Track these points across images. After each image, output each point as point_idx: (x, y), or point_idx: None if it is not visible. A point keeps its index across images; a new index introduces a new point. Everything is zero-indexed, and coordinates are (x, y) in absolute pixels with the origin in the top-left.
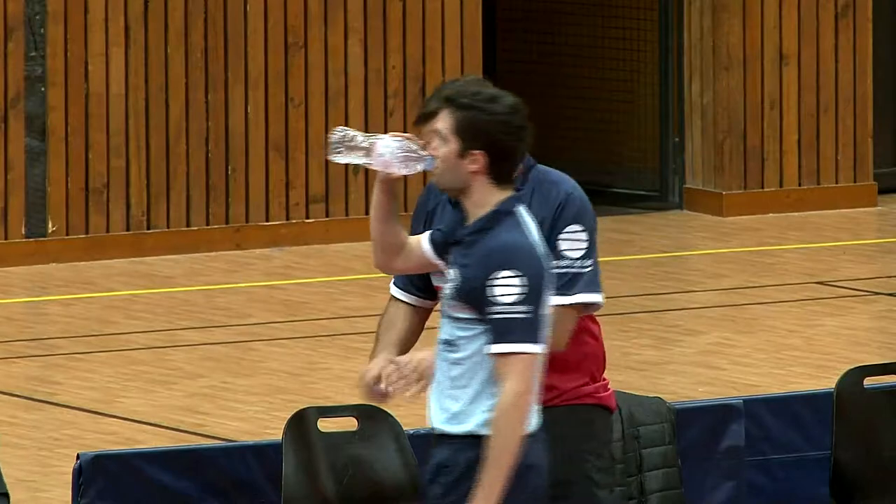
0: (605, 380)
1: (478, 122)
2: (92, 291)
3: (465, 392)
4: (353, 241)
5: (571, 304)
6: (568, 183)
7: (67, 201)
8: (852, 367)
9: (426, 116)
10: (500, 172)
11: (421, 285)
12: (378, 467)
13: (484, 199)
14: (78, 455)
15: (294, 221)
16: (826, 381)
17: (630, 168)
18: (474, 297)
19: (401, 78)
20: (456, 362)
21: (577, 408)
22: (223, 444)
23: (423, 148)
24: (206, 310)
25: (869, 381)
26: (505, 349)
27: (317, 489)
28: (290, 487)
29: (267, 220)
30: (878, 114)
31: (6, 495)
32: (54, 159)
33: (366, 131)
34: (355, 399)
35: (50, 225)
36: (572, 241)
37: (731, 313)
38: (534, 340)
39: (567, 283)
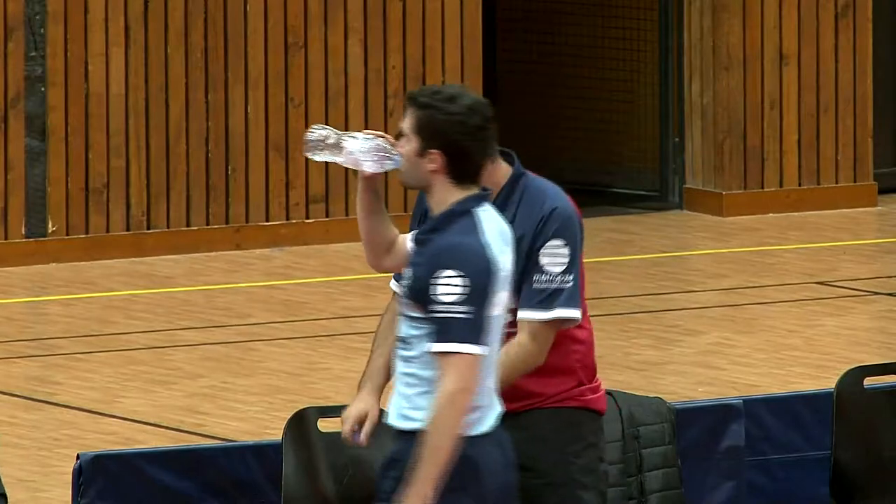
0: (596, 383)
1: (435, 122)
2: (92, 291)
3: (415, 389)
4: (353, 241)
5: (550, 320)
6: (555, 197)
7: (67, 201)
8: (852, 367)
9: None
10: (459, 172)
11: None
12: (378, 467)
13: (443, 198)
14: (78, 455)
15: (294, 221)
16: (826, 381)
17: (630, 168)
18: (421, 295)
19: (401, 78)
20: (408, 360)
21: (561, 410)
22: (223, 444)
23: (395, 146)
24: (206, 310)
25: (869, 381)
26: (443, 348)
27: (317, 489)
28: (290, 487)
29: (267, 220)
30: (878, 114)
31: (4, 496)
32: (54, 159)
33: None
34: None
35: (50, 225)
36: (553, 256)
37: (731, 313)
38: (473, 341)
39: (547, 299)
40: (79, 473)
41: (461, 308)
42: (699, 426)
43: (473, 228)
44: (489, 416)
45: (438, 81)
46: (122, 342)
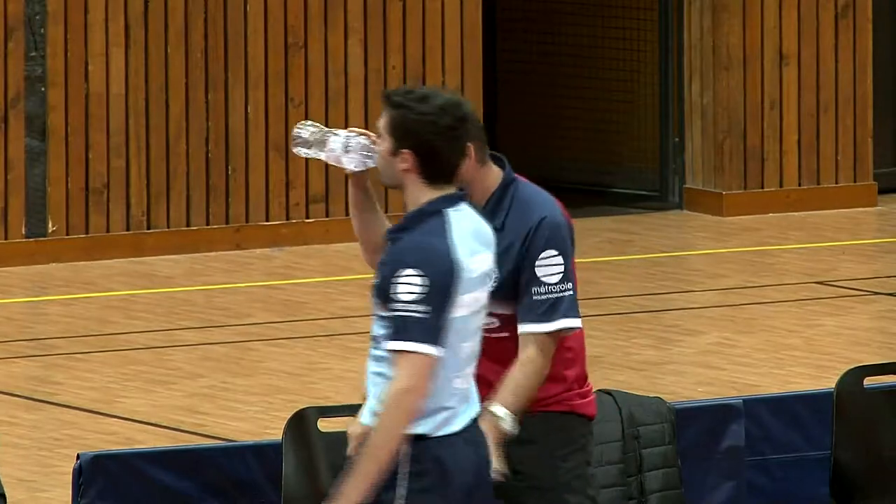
0: (586, 388)
1: (405, 121)
2: (92, 291)
3: (380, 388)
4: (353, 241)
5: (554, 331)
6: (543, 207)
7: (67, 201)
8: (852, 367)
9: None
10: (431, 172)
11: None
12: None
13: (416, 198)
14: (78, 455)
15: (294, 221)
16: (826, 381)
17: (630, 168)
18: (384, 294)
19: (401, 78)
20: (378, 359)
21: (549, 415)
22: (223, 444)
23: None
24: (206, 310)
25: (869, 381)
26: (397, 346)
27: (317, 489)
28: (290, 487)
29: (267, 220)
30: (878, 114)
31: (3, 496)
32: (54, 159)
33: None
34: (355, 399)
35: (50, 225)
36: (548, 267)
37: (730, 313)
38: (427, 341)
39: (548, 310)
40: (79, 473)
41: (419, 308)
42: (699, 426)
43: (441, 229)
44: (459, 416)
45: (438, 81)
46: (121, 342)
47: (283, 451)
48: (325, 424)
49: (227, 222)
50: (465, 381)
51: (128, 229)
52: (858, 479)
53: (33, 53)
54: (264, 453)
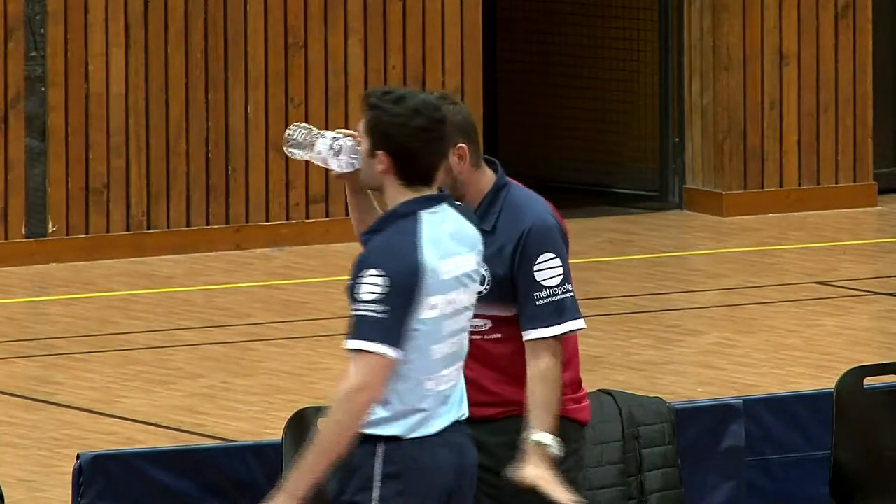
0: (580, 393)
1: (380, 123)
2: (92, 291)
3: None
4: (353, 241)
5: (563, 334)
6: (534, 211)
7: (67, 201)
8: (852, 367)
9: None
10: (406, 173)
11: None
12: None
13: (394, 199)
14: (78, 455)
15: (294, 221)
16: (826, 381)
17: (630, 168)
18: (350, 294)
19: (401, 78)
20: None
21: None
22: (223, 444)
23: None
24: (206, 310)
25: (869, 381)
26: (352, 345)
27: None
28: None
29: (267, 220)
30: (878, 114)
31: (1, 496)
32: (54, 159)
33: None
34: None
35: (50, 225)
36: (547, 270)
37: (730, 313)
38: (383, 341)
39: (554, 313)
40: (79, 473)
41: (377, 307)
42: (699, 426)
43: (411, 230)
44: (436, 418)
45: (438, 81)
46: (122, 342)
47: (283, 451)
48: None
49: (227, 222)
50: (441, 384)
51: (128, 229)
52: (858, 479)
53: (33, 53)
54: (264, 453)
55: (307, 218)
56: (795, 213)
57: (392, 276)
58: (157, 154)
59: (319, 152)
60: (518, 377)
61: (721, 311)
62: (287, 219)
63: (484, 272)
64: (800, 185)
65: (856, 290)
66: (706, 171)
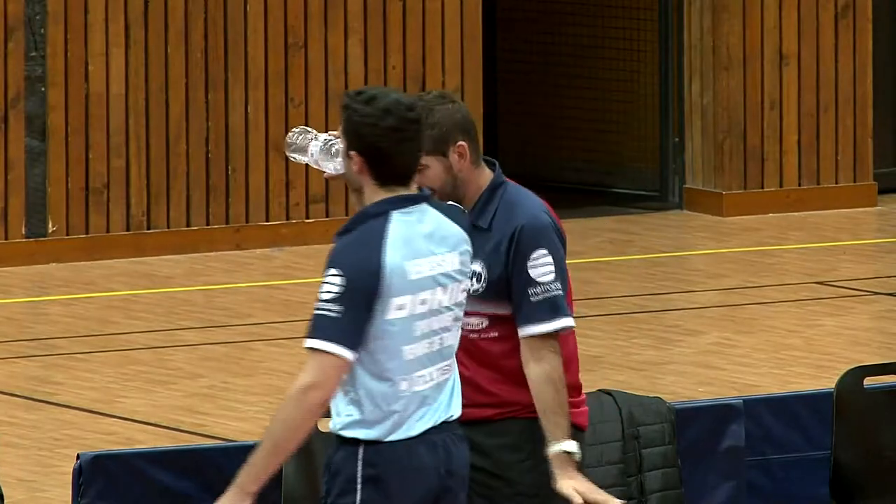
0: (579, 398)
1: (351, 123)
2: (92, 291)
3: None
4: None
5: (558, 329)
6: (529, 209)
7: (67, 201)
8: (852, 367)
9: None
10: (379, 174)
11: None
12: None
13: (369, 199)
14: (78, 455)
15: (294, 221)
16: (826, 381)
17: (630, 168)
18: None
19: (401, 78)
20: None
21: (537, 421)
22: (223, 444)
23: None
24: (206, 310)
25: (869, 381)
26: (307, 343)
27: (317, 489)
28: (290, 487)
29: (267, 220)
30: (878, 114)
31: (1, 496)
32: (54, 159)
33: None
34: None
35: (50, 225)
36: (540, 267)
37: (730, 313)
38: (336, 340)
39: (548, 310)
40: (79, 473)
41: (333, 307)
42: (699, 426)
43: (378, 230)
44: (416, 420)
45: (438, 81)
46: (122, 342)
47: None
48: (325, 424)
49: (227, 222)
50: (417, 385)
51: (128, 229)
52: (858, 479)
53: (33, 53)
54: None
55: (307, 218)
56: (795, 213)
57: (349, 276)
58: (157, 154)
59: (313, 155)
60: (515, 377)
61: (721, 311)
62: (287, 219)
63: (481, 269)
64: (800, 185)
65: (856, 290)
66: (706, 171)
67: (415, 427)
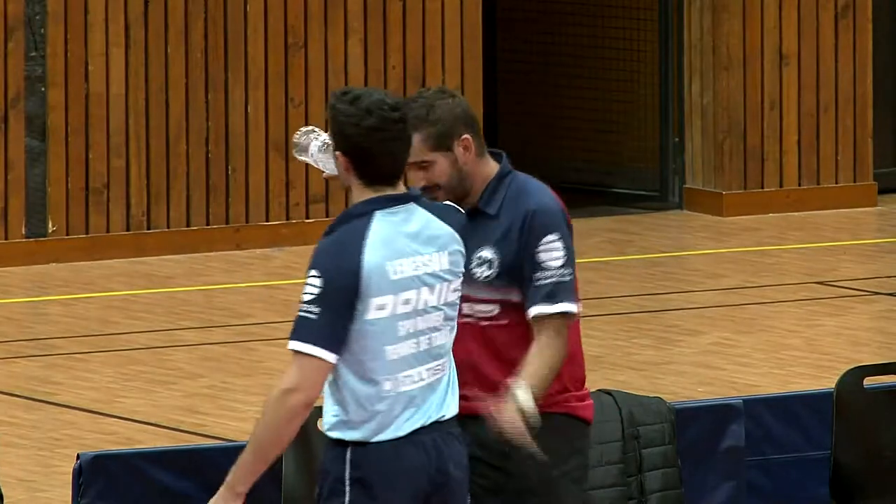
0: (583, 391)
1: (336, 123)
2: (92, 291)
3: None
4: None
5: (555, 314)
6: (539, 195)
7: (67, 201)
8: (852, 367)
9: None
10: (364, 173)
11: None
12: None
13: (356, 199)
14: (78, 455)
15: (294, 221)
16: (826, 381)
17: (630, 168)
18: None
19: (401, 78)
20: None
21: (546, 416)
22: (223, 444)
23: None
24: (206, 310)
25: (869, 381)
26: (289, 345)
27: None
28: (290, 487)
29: (267, 220)
30: (878, 114)
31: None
32: (54, 159)
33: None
34: None
35: (50, 225)
36: (550, 252)
37: (730, 313)
38: (313, 342)
39: (551, 293)
40: (79, 473)
41: (311, 308)
42: (699, 426)
43: (359, 231)
44: (402, 420)
45: (438, 81)
46: (122, 342)
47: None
48: None
49: (227, 222)
50: (403, 385)
51: (128, 229)
52: (858, 479)
53: (33, 53)
54: None
55: (307, 218)
56: (795, 213)
57: (328, 277)
58: (157, 154)
59: (312, 154)
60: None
61: (721, 311)
62: (287, 219)
63: (492, 256)
64: (800, 185)
65: (856, 290)
66: (706, 171)
67: (402, 427)
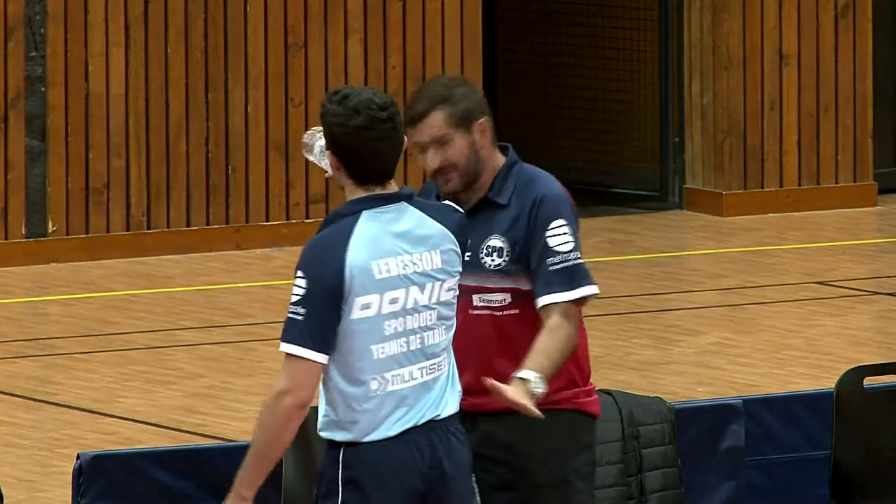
0: (590, 385)
1: (324, 123)
2: (92, 291)
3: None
4: None
5: (576, 300)
6: (546, 183)
7: (67, 201)
8: (852, 367)
9: None
10: (355, 173)
11: None
12: None
13: (349, 197)
14: (78, 455)
15: (294, 221)
16: (826, 381)
17: (630, 168)
18: None
19: (401, 78)
20: None
21: (554, 412)
22: (223, 444)
23: None
24: (206, 310)
25: (869, 381)
26: (280, 347)
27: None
28: (290, 487)
29: (267, 220)
30: (878, 114)
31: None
32: (54, 159)
33: None
34: None
35: (50, 225)
36: (558, 237)
37: (730, 313)
38: (301, 343)
39: (566, 278)
40: (79, 473)
41: (297, 309)
42: (699, 426)
43: (345, 230)
44: (393, 420)
45: None
46: (122, 342)
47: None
48: None
49: (227, 222)
50: (392, 384)
51: (128, 229)
52: (858, 479)
53: (33, 53)
54: None
55: (307, 218)
56: (795, 213)
57: (312, 277)
58: (157, 154)
59: (315, 154)
60: None
61: (721, 311)
62: (287, 219)
63: (502, 244)
64: (800, 185)
65: (856, 290)
66: (706, 171)
67: (393, 427)
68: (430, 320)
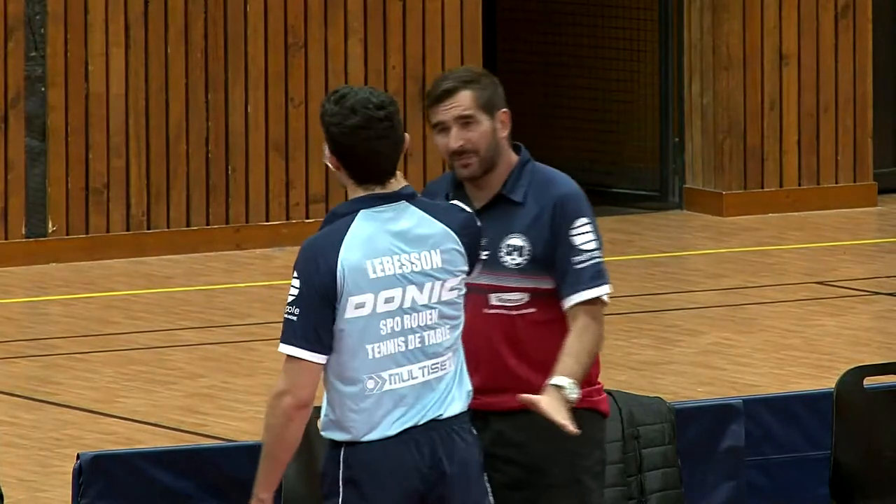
0: (598, 384)
1: (322, 122)
2: (92, 291)
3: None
4: None
5: (602, 296)
6: (564, 182)
7: (67, 201)
8: (852, 367)
9: None
10: (354, 172)
11: None
12: None
13: (350, 197)
14: (78, 455)
15: (294, 221)
16: (826, 381)
17: (630, 168)
18: None
19: (401, 78)
20: None
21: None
22: (223, 444)
23: None
24: (206, 310)
25: (869, 381)
26: (279, 348)
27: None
28: (290, 487)
29: (267, 220)
30: (878, 114)
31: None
32: (54, 159)
33: None
34: None
35: (50, 225)
36: (584, 234)
37: (730, 313)
38: (296, 343)
39: (593, 276)
40: (79, 473)
41: (292, 310)
42: (699, 426)
43: (341, 229)
44: (392, 420)
45: None
46: (122, 342)
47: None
48: None
49: (227, 222)
50: (389, 384)
51: (128, 229)
52: (858, 479)
53: (33, 53)
54: None
55: (307, 218)
56: (795, 213)
57: (305, 277)
58: (157, 154)
59: (326, 156)
60: (550, 365)
61: (721, 311)
62: (287, 219)
63: (522, 243)
64: (800, 185)
65: (856, 290)
66: (706, 171)
67: (392, 427)
68: (431, 319)
